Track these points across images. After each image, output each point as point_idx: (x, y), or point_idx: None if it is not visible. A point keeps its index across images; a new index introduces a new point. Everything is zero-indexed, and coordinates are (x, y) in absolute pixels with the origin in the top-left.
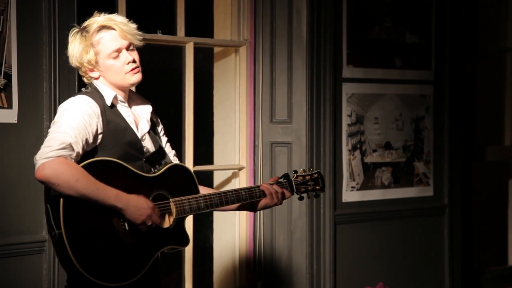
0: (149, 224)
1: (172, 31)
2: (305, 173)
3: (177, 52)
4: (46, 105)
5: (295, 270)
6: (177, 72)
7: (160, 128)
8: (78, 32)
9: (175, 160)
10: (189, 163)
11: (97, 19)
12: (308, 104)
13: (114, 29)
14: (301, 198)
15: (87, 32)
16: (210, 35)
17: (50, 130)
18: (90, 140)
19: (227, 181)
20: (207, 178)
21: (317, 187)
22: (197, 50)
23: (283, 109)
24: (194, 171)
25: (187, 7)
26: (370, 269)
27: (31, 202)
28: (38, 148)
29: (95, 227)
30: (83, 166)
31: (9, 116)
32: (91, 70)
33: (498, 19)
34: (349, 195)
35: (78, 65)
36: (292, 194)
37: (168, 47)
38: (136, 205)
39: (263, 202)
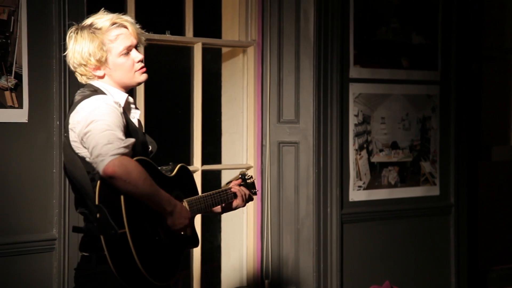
0: (183, 232)
1: (181, 31)
2: (249, 176)
3: (186, 52)
4: (56, 104)
5: (302, 269)
6: (185, 72)
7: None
8: (83, 29)
9: None
10: (197, 162)
11: (107, 16)
12: (315, 104)
13: (126, 27)
14: (255, 194)
15: (97, 29)
16: (218, 35)
17: (91, 128)
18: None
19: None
20: (215, 178)
21: (253, 190)
22: (205, 51)
23: (290, 109)
24: (203, 171)
25: (196, 8)
26: (377, 268)
27: (41, 200)
28: (48, 147)
29: (146, 228)
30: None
31: (20, 115)
32: (97, 68)
33: (504, 20)
34: (356, 195)
35: (83, 62)
36: (254, 194)
37: (177, 47)
38: (180, 212)
39: (233, 203)
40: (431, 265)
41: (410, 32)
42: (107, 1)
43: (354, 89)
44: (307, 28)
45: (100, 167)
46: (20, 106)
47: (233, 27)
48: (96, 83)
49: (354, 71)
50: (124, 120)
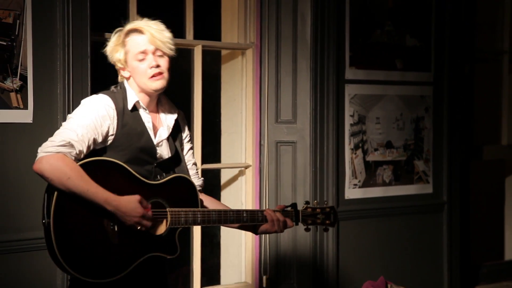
0: (139, 228)
1: (181, 34)
2: (316, 206)
3: (186, 54)
4: (60, 106)
5: (300, 265)
6: (185, 74)
7: (185, 135)
8: (119, 32)
9: (193, 169)
10: (197, 161)
11: (135, 22)
12: (312, 105)
13: (144, 33)
14: (307, 230)
15: (124, 33)
16: (218, 38)
17: (62, 123)
18: (99, 140)
19: (234, 178)
20: (214, 176)
21: (327, 222)
22: (205, 53)
23: (288, 110)
24: (202, 169)
25: (196, 11)
26: (372, 264)
27: None
28: None
29: (84, 223)
30: (81, 164)
31: (25, 116)
32: (123, 69)
33: (495, 23)
34: (352, 192)
35: (113, 63)
36: (296, 224)
37: (177, 49)
38: (125, 211)
39: (264, 227)
40: (424, 260)
41: (404, 34)
42: (110, 5)
43: (349, 90)
44: (304, 31)
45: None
46: (25, 107)
47: (232, 30)
48: (125, 83)
49: (350, 73)
50: (113, 124)
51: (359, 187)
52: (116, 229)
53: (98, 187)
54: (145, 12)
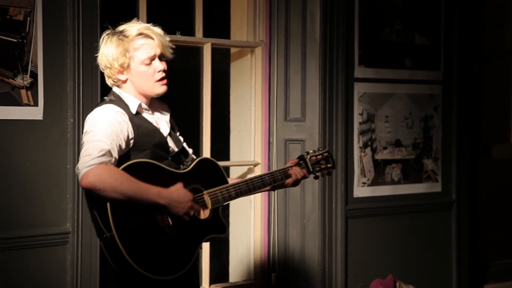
0: (192, 213)
1: (191, 32)
2: (316, 153)
3: (195, 52)
4: (70, 102)
5: (308, 262)
6: (195, 71)
7: (176, 130)
8: (114, 34)
9: (193, 155)
10: None
11: (136, 26)
12: (321, 103)
13: (152, 38)
14: (316, 177)
15: (125, 37)
16: (227, 36)
17: (84, 140)
18: (123, 146)
19: (243, 176)
20: None
21: (329, 165)
22: (215, 51)
23: (297, 108)
24: None
25: (205, 9)
26: (380, 262)
27: (55, 195)
28: (62, 144)
29: (142, 226)
30: (123, 169)
31: (35, 113)
32: (120, 73)
33: (504, 22)
34: (360, 191)
35: (108, 65)
36: (310, 174)
37: (187, 47)
38: (178, 199)
39: (288, 182)
40: (433, 259)
41: (413, 33)
42: (120, 2)
43: (358, 89)
44: (314, 29)
45: (79, 180)
46: (36, 104)
47: (241, 28)
48: (117, 89)
49: (359, 71)
50: (130, 128)
51: (368, 186)
52: (170, 222)
53: (148, 185)
54: (155, 9)
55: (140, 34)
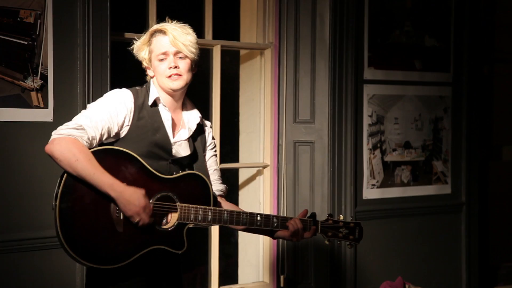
0: (137, 220)
1: (200, 34)
2: (339, 220)
3: (205, 54)
4: (80, 104)
5: (317, 265)
6: (204, 73)
7: (209, 143)
8: (147, 32)
9: (214, 175)
10: None
11: (161, 23)
12: (330, 105)
13: (167, 34)
14: (327, 242)
15: (150, 33)
16: (237, 38)
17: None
18: (114, 129)
19: (252, 178)
20: (232, 176)
21: (351, 237)
22: (224, 53)
23: (306, 110)
24: (220, 169)
25: (215, 11)
26: (390, 264)
27: None
28: None
29: (91, 209)
30: (96, 151)
31: (45, 115)
32: (148, 68)
33: None
34: (370, 193)
35: (140, 60)
36: (314, 235)
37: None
38: (128, 199)
39: (282, 233)
40: (442, 261)
41: (423, 35)
42: (130, 4)
43: (368, 90)
44: (323, 31)
45: None
46: (46, 106)
47: (251, 30)
48: (150, 82)
49: (368, 73)
50: (129, 115)
51: (377, 187)
52: (121, 217)
53: (106, 173)
54: (164, 12)
55: (158, 30)
